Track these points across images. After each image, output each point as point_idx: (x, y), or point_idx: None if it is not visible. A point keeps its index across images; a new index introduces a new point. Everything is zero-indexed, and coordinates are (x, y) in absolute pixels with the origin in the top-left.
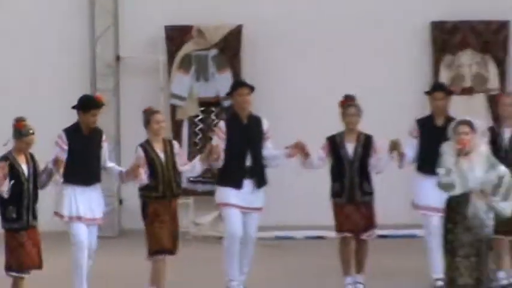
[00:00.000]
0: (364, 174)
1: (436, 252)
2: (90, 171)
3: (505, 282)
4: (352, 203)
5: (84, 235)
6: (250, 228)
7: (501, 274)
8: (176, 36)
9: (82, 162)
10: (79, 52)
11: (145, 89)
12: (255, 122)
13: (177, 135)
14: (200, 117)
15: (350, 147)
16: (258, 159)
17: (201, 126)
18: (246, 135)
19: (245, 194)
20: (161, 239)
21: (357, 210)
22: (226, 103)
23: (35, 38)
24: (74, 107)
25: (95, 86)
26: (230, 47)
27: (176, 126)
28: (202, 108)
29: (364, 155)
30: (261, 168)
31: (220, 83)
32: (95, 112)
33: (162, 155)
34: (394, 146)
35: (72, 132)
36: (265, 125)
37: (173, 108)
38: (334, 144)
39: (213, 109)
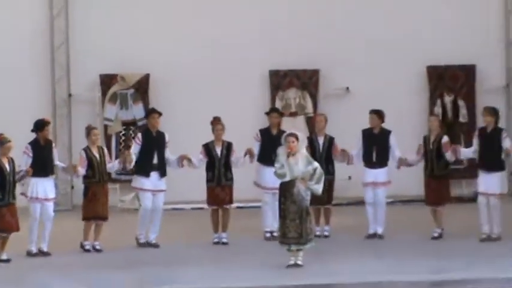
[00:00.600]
0: (227, 167)
1: (267, 215)
2: (46, 168)
3: (318, 233)
4: (219, 185)
5: (38, 211)
6: (158, 203)
7: (318, 229)
8: (107, 80)
9: (40, 163)
10: (45, 91)
11: (87, 114)
12: (160, 135)
13: (108, 145)
14: (123, 132)
15: (218, 150)
16: (161, 159)
17: (123, 138)
18: (155, 143)
19: (153, 181)
20: (96, 210)
21: (222, 190)
22: (140, 123)
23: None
24: (32, 130)
25: (55, 112)
26: (142, 87)
27: (107, 139)
28: (124, 127)
29: (227, 154)
30: (163, 165)
31: (136, 111)
32: (48, 128)
33: (97, 156)
34: (250, 152)
35: (34, 144)
36: (167, 137)
37: (105, 127)
38: (208, 149)
39: (131, 127)
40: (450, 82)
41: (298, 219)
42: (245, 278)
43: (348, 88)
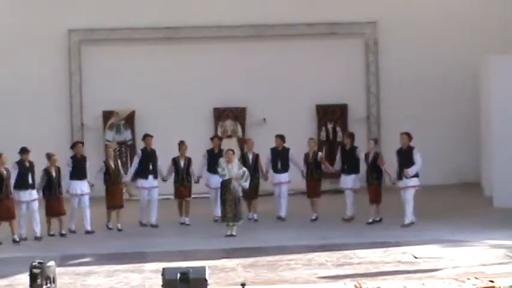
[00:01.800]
0: (188, 173)
1: (215, 205)
2: (81, 173)
3: (250, 218)
4: (182, 185)
5: (77, 202)
6: (153, 195)
7: (249, 214)
8: (107, 115)
9: (77, 170)
10: (65, 122)
11: (94, 138)
12: (153, 151)
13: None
14: (118, 149)
15: (182, 162)
16: (154, 166)
17: (118, 153)
18: (150, 156)
19: (149, 182)
20: (114, 202)
21: (185, 188)
22: (129, 143)
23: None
24: (70, 148)
25: (72, 136)
26: (130, 119)
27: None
28: (118, 146)
29: (188, 165)
30: (155, 171)
31: (126, 135)
32: (78, 146)
33: (113, 165)
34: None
35: (73, 157)
36: (157, 153)
37: (106, 145)
38: (175, 161)
39: (123, 146)
40: (331, 115)
41: (233, 204)
42: (199, 243)
43: (264, 119)
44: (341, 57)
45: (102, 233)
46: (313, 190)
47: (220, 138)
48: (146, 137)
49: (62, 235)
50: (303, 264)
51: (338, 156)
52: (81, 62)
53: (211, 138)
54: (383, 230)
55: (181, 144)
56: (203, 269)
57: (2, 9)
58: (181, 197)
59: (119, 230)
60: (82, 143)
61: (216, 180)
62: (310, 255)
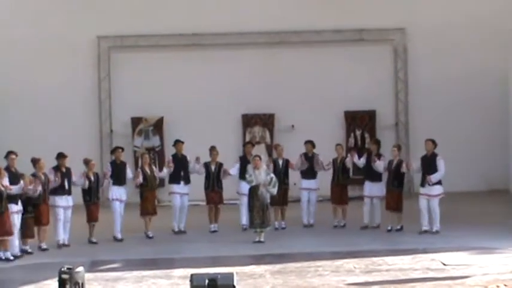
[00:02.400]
0: (219, 178)
1: (243, 213)
2: (120, 179)
3: (276, 226)
4: (213, 191)
5: (118, 207)
6: (184, 202)
7: (276, 223)
8: (136, 121)
9: (117, 175)
10: (94, 129)
11: (123, 144)
12: (184, 157)
13: (136, 162)
14: (153, 156)
15: (213, 167)
16: (186, 172)
17: (153, 160)
18: (181, 162)
19: (181, 187)
20: (147, 208)
21: (215, 194)
22: (157, 149)
23: (68, 124)
24: (110, 152)
25: (101, 142)
26: (159, 125)
27: (136, 159)
28: (146, 151)
29: (218, 170)
30: (188, 176)
31: (154, 141)
32: (118, 151)
33: (148, 171)
34: (225, 171)
35: (112, 163)
36: (188, 157)
37: (134, 152)
38: (206, 166)
39: (151, 151)
40: (359, 122)
41: (261, 211)
42: (227, 249)
43: (293, 126)
44: (369, 64)
45: (131, 239)
46: (338, 197)
47: (253, 145)
48: (177, 142)
49: (91, 242)
50: (332, 270)
51: (363, 158)
52: (110, 69)
53: (244, 145)
54: (410, 237)
55: (213, 149)
56: (231, 275)
57: (32, 17)
58: (212, 203)
59: (150, 237)
60: (122, 149)
61: (247, 187)
62: (339, 262)
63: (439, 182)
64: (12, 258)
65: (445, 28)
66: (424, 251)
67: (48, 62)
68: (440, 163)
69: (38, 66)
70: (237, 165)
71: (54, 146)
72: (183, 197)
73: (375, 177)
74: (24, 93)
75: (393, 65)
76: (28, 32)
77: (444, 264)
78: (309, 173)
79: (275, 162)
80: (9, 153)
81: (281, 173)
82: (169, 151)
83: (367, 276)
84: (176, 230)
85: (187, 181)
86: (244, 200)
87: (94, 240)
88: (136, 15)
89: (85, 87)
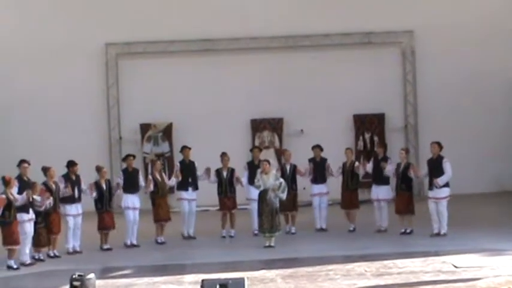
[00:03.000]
0: (231, 184)
1: (254, 218)
2: (133, 187)
3: (287, 230)
4: (226, 196)
5: (132, 215)
6: (192, 208)
7: (286, 227)
8: (145, 127)
9: (129, 183)
10: (103, 136)
11: (132, 150)
12: (192, 163)
13: (146, 168)
14: (163, 162)
15: (225, 173)
16: (194, 179)
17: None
18: (188, 168)
19: (189, 193)
20: (160, 215)
21: (228, 200)
22: (167, 155)
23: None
24: (122, 160)
25: (111, 149)
26: (168, 132)
27: (145, 165)
28: (156, 157)
29: (231, 176)
30: (196, 183)
31: (163, 147)
32: (129, 159)
33: (160, 179)
34: (238, 179)
35: (124, 171)
36: (196, 164)
37: (144, 158)
38: (218, 172)
39: (160, 157)
40: (368, 125)
41: (270, 216)
42: (238, 255)
43: (302, 130)
44: (378, 67)
45: (142, 245)
46: (348, 201)
47: (260, 150)
48: (184, 148)
49: (104, 249)
50: (342, 274)
51: (371, 162)
52: (118, 75)
53: (251, 150)
54: (421, 240)
55: (224, 155)
56: (242, 280)
57: (40, 24)
58: (226, 209)
59: (161, 243)
60: (134, 156)
61: (256, 192)
62: (350, 266)
63: (446, 185)
64: (15, 267)
65: (453, 30)
66: (435, 254)
67: (56, 69)
68: (447, 165)
69: (46, 74)
70: (246, 173)
71: (63, 153)
72: (191, 203)
73: (382, 180)
74: (32, 100)
75: (401, 67)
76: (36, 40)
77: (455, 267)
78: (319, 178)
79: (283, 168)
80: (22, 161)
81: (289, 178)
82: (178, 157)
83: (378, 279)
84: (186, 235)
85: (195, 187)
86: (254, 206)
87: (107, 246)
88: (144, 22)
89: (93, 94)
